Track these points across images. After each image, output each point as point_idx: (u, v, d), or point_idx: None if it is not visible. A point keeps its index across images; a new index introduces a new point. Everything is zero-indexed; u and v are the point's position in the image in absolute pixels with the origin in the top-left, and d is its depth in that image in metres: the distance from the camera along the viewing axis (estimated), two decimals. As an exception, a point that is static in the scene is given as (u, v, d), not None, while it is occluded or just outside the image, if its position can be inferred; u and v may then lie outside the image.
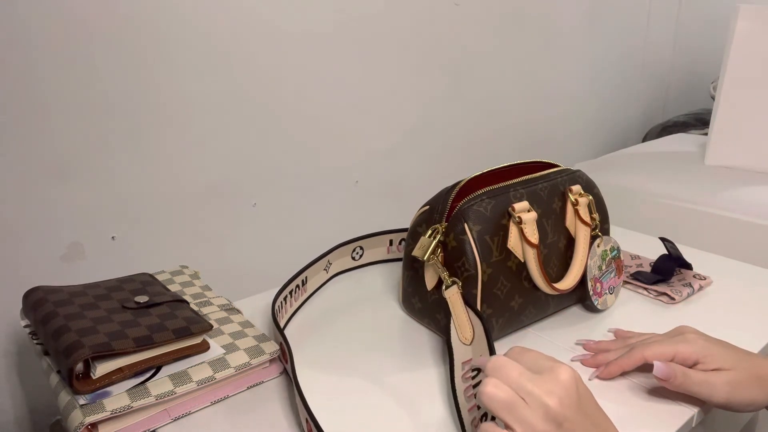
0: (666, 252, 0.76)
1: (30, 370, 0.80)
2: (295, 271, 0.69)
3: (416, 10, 1.11)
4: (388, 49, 1.09)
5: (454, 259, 0.58)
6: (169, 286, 0.67)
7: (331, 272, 0.77)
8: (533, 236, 0.59)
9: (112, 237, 0.83)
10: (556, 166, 0.69)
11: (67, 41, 0.73)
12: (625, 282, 0.74)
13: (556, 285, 0.62)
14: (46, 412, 0.82)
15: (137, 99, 0.81)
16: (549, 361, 0.41)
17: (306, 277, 0.70)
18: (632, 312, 0.69)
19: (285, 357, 0.56)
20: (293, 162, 1.00)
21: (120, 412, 0.48)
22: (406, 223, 0.69)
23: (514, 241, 0.59)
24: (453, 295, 0.57)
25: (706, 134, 1.53)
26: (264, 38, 0.91)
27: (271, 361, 0.57)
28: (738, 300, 0.71)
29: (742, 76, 1.27)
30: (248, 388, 0.56)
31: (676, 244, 0.77)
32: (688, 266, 0.76)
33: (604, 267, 0.67)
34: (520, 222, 0.59)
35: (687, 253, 0.79)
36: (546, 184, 0.64)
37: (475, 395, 0.51)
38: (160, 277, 0.70)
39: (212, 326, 0.57)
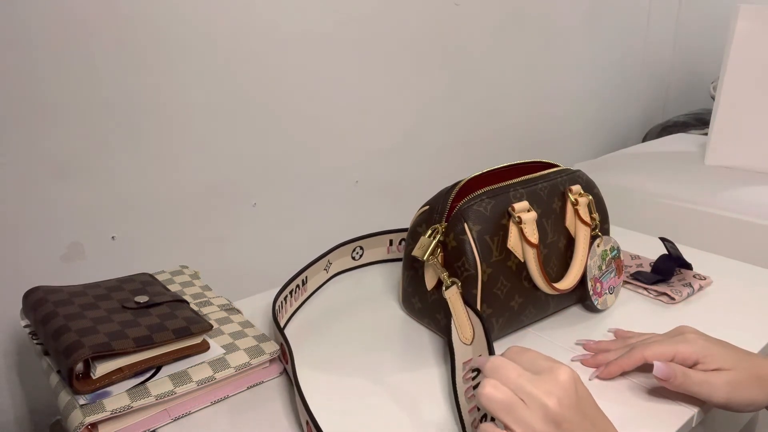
0: (666, 252, 0.76)
1: (30, 370, 0.80)
2: (295, 271, 0.69)
3: (416, 10, 1.11)
4: (388, 49, 1.09)
5: (454, 259, 0.58)
6: (169, 286, 0.67)
7: (331, 272, 0.77)
8: (533, 236, 0.59)
9: (112, 237, 0.83)
10: (556, 166, 0.69)
11: (67, 41, 0.73)
12: (625, 282, 0.74)
13: (556, 285, 0.62)
14: (46, 412, 0.82)
15: (137, 99, 0.81)
16: (547, 361, 0.41)
17: (306, 277, 0.70)
18: (632, 312, 0.69)
19: (285, 357, 0.56)
20: (293, 162, 1.00)
21: (120, 412, 0.48)
22: (406, 223, 0.69)
23: (514, 241, 0.59)
24: (453, 296, 0.57)
25: (706, 134, 1.53)
26: (264, 38, 0.91)
27: (271, 361, 0.57)
28: (738, 300, 0.71)
29: (742, 76, 1.27)
30: (248, 388, 0.56)
31: (676, 244, 0.77)
32: (688, 266, 0.76)
33: (604, 267, 0.67)
34: (520, 222, 0.59)
35: (687, 253, 0.79)
36: (546, 184, 0.64)
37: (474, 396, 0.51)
38: (160, 277, 0.70)
39: (212, 326, 0.57)
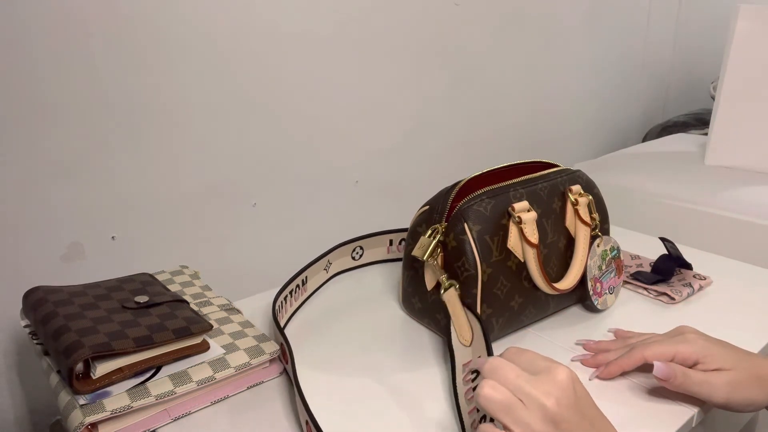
0: (666, 252, 0.76)
1: (30, 370, 0.80)
2: (295, 271, 0.69)
3: (416, 10, 1.11)
4: (388, 49, 1.09)
5: (454, 259, 0.58)
6: (169, 286, 0.67)
7: (331, 272, 0.77)
8: (533, 236, 0.59)
9: (112, 237, 0.83)
10: (556, 166, 0.69)
11: (67, 41, 0.73)
12: (625, 282, 0.74)
13: (556, 285, 0.62)
14: (46, 412, 0.82)
15: (137, 99, 0.81)
16: (546, 361, 0.41)
17: (306, 277, 0.70)
18: (632, 312, 0.69)
19: (285, 357, 0.56)
20: (293, 162, 1.00)
21: (120, 412, 0.48)
22: (406, 223, 0.69)
23: (514, 241, 0.59)
24: (451, 298, 0.57)
25: (706, 134, 1.53)
26: (264, 38, 0.91)
27: (271, 361, 0.57)
28: (738, 300, 0.71)
29: (742, 76, 1.27)
30: (248, 388, 0.56)
31: (676, 244, 0.77)
32: (688, 266, 0.76)
33: (604, 267, 0.67)
34: (519, 222, 0.59)
35: (687, 253, 0.79)
36: (546, 184, 0.64)
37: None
38: (160, 277, 0.70)
39: (212, 326, 0.57)
